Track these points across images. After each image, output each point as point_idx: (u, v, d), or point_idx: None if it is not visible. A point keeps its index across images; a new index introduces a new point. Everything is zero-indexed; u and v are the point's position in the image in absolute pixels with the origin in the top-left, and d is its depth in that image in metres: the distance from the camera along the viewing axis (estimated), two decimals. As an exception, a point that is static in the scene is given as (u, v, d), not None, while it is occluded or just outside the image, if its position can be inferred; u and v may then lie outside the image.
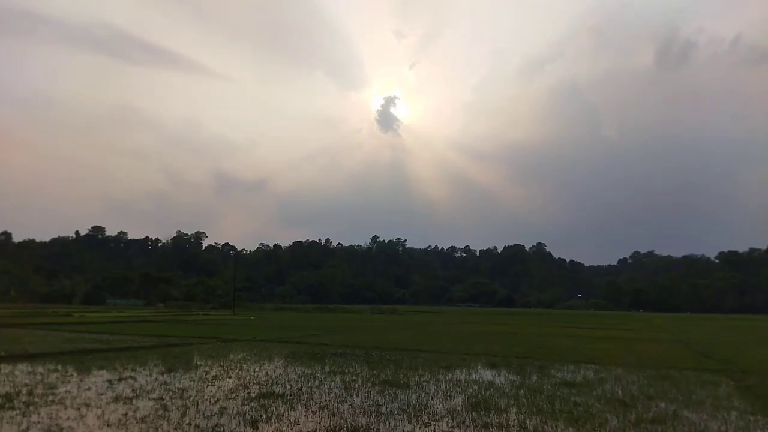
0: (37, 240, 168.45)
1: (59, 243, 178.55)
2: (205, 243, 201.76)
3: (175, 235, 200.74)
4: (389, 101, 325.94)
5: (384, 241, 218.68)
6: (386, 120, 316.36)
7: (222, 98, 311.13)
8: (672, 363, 15.16)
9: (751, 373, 12.83)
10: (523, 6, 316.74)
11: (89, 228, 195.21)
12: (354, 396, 9.12)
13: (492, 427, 7.09)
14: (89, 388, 9.45)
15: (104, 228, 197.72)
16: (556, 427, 7.20)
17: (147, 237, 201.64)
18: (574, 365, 14.26)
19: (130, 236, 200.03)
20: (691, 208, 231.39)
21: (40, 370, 11.55)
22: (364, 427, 6.95)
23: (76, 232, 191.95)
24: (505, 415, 7.81)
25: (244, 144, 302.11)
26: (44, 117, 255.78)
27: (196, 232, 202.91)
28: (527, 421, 7.44)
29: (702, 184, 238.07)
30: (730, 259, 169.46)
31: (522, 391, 9.96)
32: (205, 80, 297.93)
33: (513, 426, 7.17)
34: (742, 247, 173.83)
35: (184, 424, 6.91)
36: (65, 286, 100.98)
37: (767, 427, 7.42)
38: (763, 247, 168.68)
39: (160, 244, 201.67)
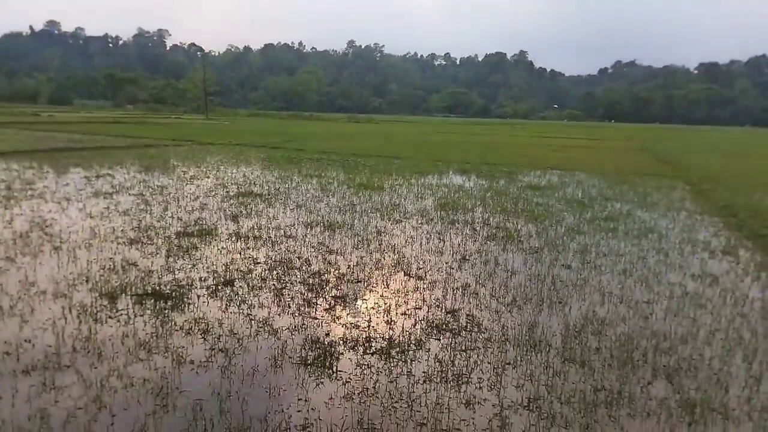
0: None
1: (12, 39, 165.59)
2: (168, 42, 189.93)
3: (136, 32, 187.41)
4: None
5: (361, 46, 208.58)
6: None
7: None
8: (634, 169, 15.91)
9: (707, 179, 13.59)
10: None
11: (44, 23, 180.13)
12: (330, 197, 9.50)
13: (458, 224, 7.60)
14: (67, 184, 9.59)
15: (59, 23, 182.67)
16: (517, 223, 7.75)
17: (107, 34, 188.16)
18: (540, 171, 14.89)
19: (88, 32, 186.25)
20: (682, 18, 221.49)
21: (15, 167, 11.55)
22: (339, 223, 7.36)
23: (30, 27, 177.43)
24: (471, 214, 8.33)
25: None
26: None
27: (159, 30, 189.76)
28: (491, 219, 7.98)
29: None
30: (709, 70, 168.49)
31: (489, 193, 10.49)
32: None
33: (477, 222, 7.70)
34: (723, 59, 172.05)
35: (167, 217, 7.21)
36: (28, 85, 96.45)
37: (710, 225, 8.13)
38: (744, 59, 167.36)
39: (121, 42, 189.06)
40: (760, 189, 11.95)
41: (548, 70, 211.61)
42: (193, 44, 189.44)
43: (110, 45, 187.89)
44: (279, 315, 4.07)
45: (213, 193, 9.37)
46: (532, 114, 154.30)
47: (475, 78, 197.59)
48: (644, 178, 13.86)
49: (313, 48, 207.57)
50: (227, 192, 9.49)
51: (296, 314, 4.09)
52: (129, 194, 8.84)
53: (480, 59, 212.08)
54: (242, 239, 6.22)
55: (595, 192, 11.15)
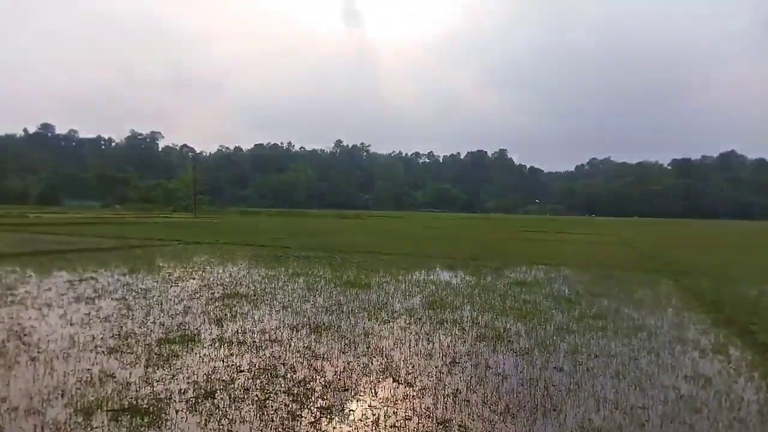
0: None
1: (6, 141, 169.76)
2: (161, 144, 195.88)
3: (129, 134, 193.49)
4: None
5: (348, 145, 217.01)
6: (351, 15, 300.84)
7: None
8: (617, 264, 16.11)
9: (689, 274, 13.75)
10: None
11: (38, 125, 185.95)
12: (317, 296, 9.41)
13: (447, 323, 7.51)
14: (49, 289, 9.42)
15: (54, 126, 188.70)
16: (506, 322, 7.68)
17: (99, 136, 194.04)
18: (526, 266, 14.99)
19: (82, 135, 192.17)
20: (653, 116, 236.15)
21: (-3, 271, 11.38)
22: (326, 324, 7.24)
23: (24, 130, 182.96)
24: (459, 312, 8.27)
25: (200, 37, 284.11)
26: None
27: (152, 132, 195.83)
28: (479, 318, 7.91)
29: (665, 90, 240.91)
30: (681, 166, 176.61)
31: (476, 290, 10.48)
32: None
33: (466, 322, 7.61)
34: (695, 155, 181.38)
35: (148, 323, 7.04)
36: (18, 186, 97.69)
37: (698, 322, 8.11)
38: (715, 155, 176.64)
39: (113, 144, 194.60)
40: (742, 282, 12.09)
41: (528, 167, 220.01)
42: (185, 145, 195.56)
43: (102, 146, 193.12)
44: (261, 430, 3.88)
45: (198, 295, 9.24)
46: (515, 209, 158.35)
47: (458, 174, 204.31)
48: (628, 273, 14.00)
49: (301, 147, 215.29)
50: (212, 293, 9.37)
51: (279, 429, 3.91)
52: (111, 299, 8.68)
53: (462, 156, 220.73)
54: (226, 345, 6.06)
55: (581, 288, 11.20)
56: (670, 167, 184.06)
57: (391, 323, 7.48)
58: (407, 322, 7.59)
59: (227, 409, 4.23)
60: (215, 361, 5.44)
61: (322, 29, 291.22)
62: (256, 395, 4.55)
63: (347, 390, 4.76)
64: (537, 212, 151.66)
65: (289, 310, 8.15)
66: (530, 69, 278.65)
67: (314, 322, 7.31)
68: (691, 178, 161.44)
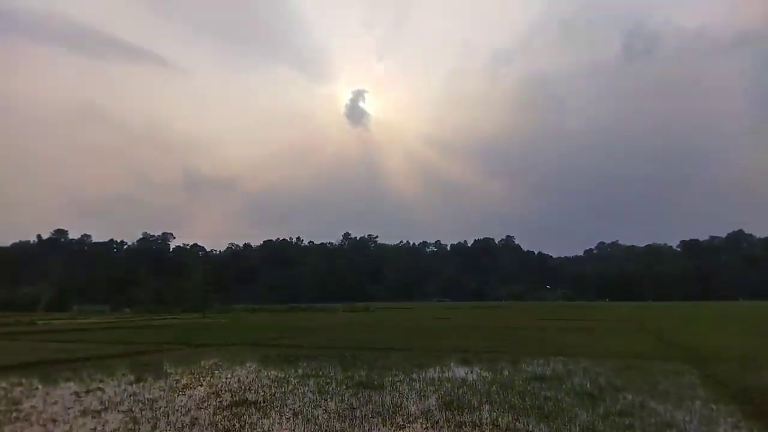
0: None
1: (20, 248, 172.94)
2: (172, 244, 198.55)
3: (141, 236, 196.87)
4: (358, 95, 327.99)
5: (355, 237, 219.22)
6: (355, 114, 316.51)
7: (186, 94, 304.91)
8: (638, 352, 15.60)
9: (712, 361, 13.27)
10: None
11: (51, 231, 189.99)
12: (328, 400, 9.11)
13: (465, 426, 7.20)
14: (56, 402, 9.19)
15: (67, 231, 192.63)
16: (528, 423, 7.35)
17: (112, 240, 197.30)
18: (543, 358, 14.54)
19: (95, 239, 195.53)
20: (658, 198, 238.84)
21: (3, 384, 11.17)
22: (339, 432, 6.96)
23: (38, 236, 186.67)
24: (478, 413, 7.93)
25: (211, 142, 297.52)
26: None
27: (163, 233, 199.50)
28: (500, 419, 7.57)
29: (668, 175, 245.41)
30: (691, 246, 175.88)
31: (494, 387, 10.11)
32: (169, 75, 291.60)
33: (486, 424, 7.29)
34: (702, 236, 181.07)
35: (155, 438, 6.80)
36: (28, 293, 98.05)
37: (728, 415, 7.72)
38: (723, 235, 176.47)
39: (125, 247, 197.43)
40: (766, 368, 11.63)
41: (536, 252, 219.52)
42: (195, 244, 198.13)
43: (115, 250, 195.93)
44: None
45: (205, 404, 8.97)
46: (525, 295, 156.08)
47: (467, 262, 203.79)
48: (649, 362, 13.53)
49: (310, 242, 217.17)
50: (220, 401, 9.09)
51: None
52: (118, 411, 8.43)
53: (469, 244, 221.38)
54: (235, 460, 5.80)
55: (603, 381, 10.79)
56: (679, 249, 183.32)
57: (407, 428, 7.18)
58: (424, 426, 7.28)
59: None
60: (224, 479, 5.19)
61: (329, 128, 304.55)
62: None
63: (364, 508, 4.48)
64: (548, 298, 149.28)
65: (299, 417, 7.87)
66: (532, 155, 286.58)
67: (326, 430, 7.03)
68: (702, 259, 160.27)
